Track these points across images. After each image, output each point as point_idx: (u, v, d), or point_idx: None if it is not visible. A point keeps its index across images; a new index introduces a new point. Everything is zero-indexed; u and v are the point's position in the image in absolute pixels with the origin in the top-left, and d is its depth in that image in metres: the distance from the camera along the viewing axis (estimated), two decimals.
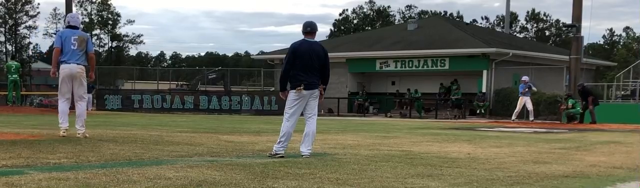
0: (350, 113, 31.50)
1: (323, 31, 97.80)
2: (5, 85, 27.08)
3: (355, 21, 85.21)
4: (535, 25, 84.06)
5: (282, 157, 7.47)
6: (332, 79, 29.56)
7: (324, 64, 7.84)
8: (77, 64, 9.31)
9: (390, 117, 28.90)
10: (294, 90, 7.64)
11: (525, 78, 24.22)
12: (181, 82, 37.22)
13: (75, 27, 9.51)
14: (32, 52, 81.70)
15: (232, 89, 32.48)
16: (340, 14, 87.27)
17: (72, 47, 9.28)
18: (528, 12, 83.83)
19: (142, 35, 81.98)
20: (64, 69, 9.31)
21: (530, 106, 23.95)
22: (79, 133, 9.36)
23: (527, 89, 23.88)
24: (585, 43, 29.82)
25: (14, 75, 25.03)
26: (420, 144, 10.43)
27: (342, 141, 10.71)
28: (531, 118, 23.89)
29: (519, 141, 11.84)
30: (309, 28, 7.82)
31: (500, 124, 21.44)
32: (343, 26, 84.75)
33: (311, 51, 7.70)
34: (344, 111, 31.81)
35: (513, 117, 23.90)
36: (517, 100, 24.55)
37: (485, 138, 12.49)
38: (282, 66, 7.86)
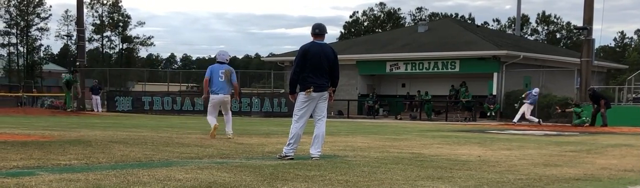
0: (360, 116, 31.47)
1: (333, 33, 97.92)
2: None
3: (365, 23, 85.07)
4: (546, 27, 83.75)
5: (291, 159, 7.46)
6: (342, 81, 29.58)
7: (334, 66, 7.82)
8: (224, 94, 11.34)
9: (400, 119, 28.85)
10: (304, 92, 7.63)
11: (536, 91, 23.99)
12: (191, 84, 37.28)
13: (222, 63, 11.47)
14: (44, 54, 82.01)
15: (242, 91, 32.47)
16: (350, 16, 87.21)
17: (220, 79, 11.24)
18: (538, 14, 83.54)
19: (152, 37, 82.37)
20: (214, 99, 11.36)
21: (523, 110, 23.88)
22: (229, 135, 11.26)
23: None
24: (596, 46, 29.76)
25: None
26: (430, 147, 10.41)
27: (351, 143, 10.70)
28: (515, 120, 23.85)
29: (530, 144, 11.79)
30: (318, 30, 7.80)
31: (510, 127, 21.37)
32: (353, 28, 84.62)
33: (321, 53, 7.69)
34: (353, 113, 31.77)
35: (514, 119, 23.84)
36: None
37: (495, 141, 12.45)
38: (292, 68, 7.85)
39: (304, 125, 7.70)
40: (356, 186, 5.31)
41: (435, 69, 31.45)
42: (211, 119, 11.56)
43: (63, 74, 27.07)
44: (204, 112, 29.53)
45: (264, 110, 29.36)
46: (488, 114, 28.90)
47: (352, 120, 26.46)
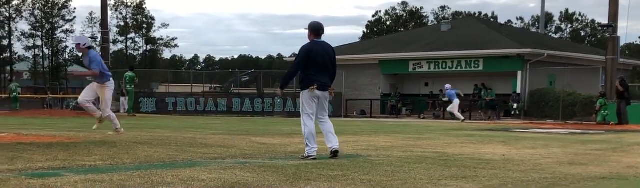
0: (383, 115, 31.40)
1: (356, 33, 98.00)
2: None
3: (388, 23, 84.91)
4: (570, 25, 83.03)
5: (314, 159, 7.46)
6: (365, 80, 29.68)
7: (334, 65, 7.91)
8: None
9: (424, 118, 28.75)
10: (308, 90, 7.67)
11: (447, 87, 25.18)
12: (214, 85, 37.40)
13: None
14: (68, 56, 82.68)
15: (264, 91, 32.56)
16: (373, 16, 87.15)
17: None
18: (562, 12, 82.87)
19: (176, 38, 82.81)
20: None
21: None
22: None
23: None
24: (621, 43, 29.46)
25: (129, 86, 26.01)
26: (454, 146, 10.36)
27: (374, 143, 10.67)
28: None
29: (555, 142, 11.69)
30: (322, 30, 7.86)
31: (535, 125, 21.21)
32: (376, 28, 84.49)
33: (324, 52, 7.76)
34: (376, 113, 31.71)
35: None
36: (552, 101, 24.36)
37: (520, 140, 12.36)
38: (291, 66, 7.89)
39: (314, 124, 7.72)
40: (379, 186, 5.29)
41: (459, 67, 31.31)
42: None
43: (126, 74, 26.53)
44: (227, 112, 29.95)
45: (286, 110, 29.43)
46: (512, 113, 28.71)
47: (375, 120, 26.40)
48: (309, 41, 7.87)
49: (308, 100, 7.69)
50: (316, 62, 7.67)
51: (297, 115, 28.51)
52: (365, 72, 33.01)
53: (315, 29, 7.81)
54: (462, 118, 24.49)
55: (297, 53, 7.97)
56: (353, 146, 9.71)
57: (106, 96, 11.07)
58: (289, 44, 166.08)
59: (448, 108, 25.60)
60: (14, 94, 33.44)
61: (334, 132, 7.82)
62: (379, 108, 32.74)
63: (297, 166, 6.62)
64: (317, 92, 7.66)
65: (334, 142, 7.69)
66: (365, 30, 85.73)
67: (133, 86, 26.31)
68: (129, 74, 26.18)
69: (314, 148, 7.58)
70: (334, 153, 7.66)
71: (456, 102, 24.75)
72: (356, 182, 5.48)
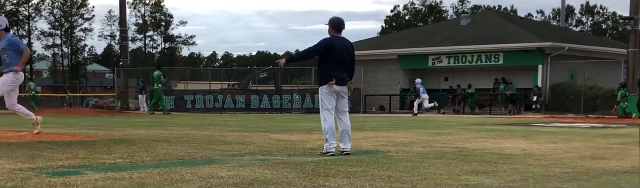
0: (402, 110, 31.30)
1: (374, 28, 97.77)
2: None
3: (406, 17, 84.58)
4: (591, 18, 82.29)
5: (333, 155, 7.44)
6: (384, 75, 29.57)
7: (353, 60, 7.91)
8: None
9: (443, 113, 28.63)
10: (326, 85, 7.66)
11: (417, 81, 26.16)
12: (232, 82, 37.48)
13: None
14: (87, 54, 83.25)
15: (283, 88, 32.56)
16: (391, 11, 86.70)
17: None
18: (583, 5, 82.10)
19: (194, 36, 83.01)
20: None
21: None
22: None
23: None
24: None
25: (156, 85, 26.08)
26: (474, 141, 10.29)
27: (394, 138, 10.63)
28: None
29: (576, 136, 11.59)
30: (343, 25, 7.85)
31: (556, 119, 21.05)
32: (394, 22, 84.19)
33: (343, 47, 7.75)
34: (395, 108, 31.63)
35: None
36: (573, 95, 24.17)
37: (540, 134, 12.26)
38: (305, 51, 7.86)
39: (333, 119, 7.70)
40: (399, 181, 5.26)
41: (479, 62, 31.14)
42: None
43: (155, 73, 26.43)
44: (245, 109, 30.02)
45: (305, 106, 29.40)
46: (533, 107, 28.55)
47: (394, 115, 26.34)
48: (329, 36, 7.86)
49: (327, 95, 7.69)
50: (335, 57, 7.67)
51: (315, 111, 28.46)
52: (383, 67, 32.93)
53: (337, 24, 7.80)
54: (416, 112, 25.58)
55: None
56: (372, 142, 9.68)
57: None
58: (307, 40, 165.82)
59: (416, 102, 26.67)
60: (32, 92, 33.68)
61: (350, 132, 7.78)
62: (398, 104, 32.65)
63: (315, 162, 6.61)
64: (336, 87, 7.65)
65: (347, 144, 7.68)
66: (383, 25, 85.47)
67: (160, 85, 26.30)
68: (156, 72, 26.19)
69: (332, 144, 7.56)
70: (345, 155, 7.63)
71: (425, 96, 25.88)
72: (375, 177, 5.46)
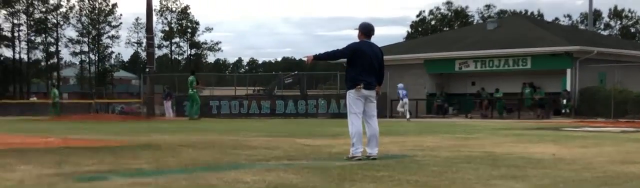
0: (429, 115, 31.14)
1: (400, 33, 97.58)
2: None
3: (432, 22, 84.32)
4: (619, 22, 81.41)
5: (359, 159, 7.38)
6: (410, 80, 29.41)
7: (381, 65, 7.87)
8: None
9: (471, 118, 28.42)
10: (354, 90, 7.63)
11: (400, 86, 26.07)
12: (258, 88, 37.57)
13: None
14: (114, 61, 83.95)
15: (308, 93, 32.55)
16: (417, 16, 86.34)
17: None
18: (611, 9, 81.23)
19: (220, 42, 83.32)
20: None
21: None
22: None
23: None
24: None
25: (191, 90, 26.06)
26: (502, 145, 10.17)
27: (421, 143, 10.54)
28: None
29: (607, 141, 11.41)
30: (373, 31, 7.86)
31: (586, 124, 20.78)
32: (420, 27, 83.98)
33: (371, 52, 7.73)
34: (422, 113, 31.47)
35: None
36: (603, 99, 23.88)
37: (570, 139, 12.09)
38: (333, 52, 7.85)
39: (361, 123, 7.66)
40: (426, 186, 5.20)
41: (506, 66, 30.91)
42: None
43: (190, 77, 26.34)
44: (270, 114, 30.03)
45: (330, 111, 29.37)
46: (562, 111, 28.24)
47: (421, 120, 26.21)
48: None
49: (354, 100, 7.66)
50: (363, 62, 7.66)
51: (341, 116, 28.43)
52: (409, 72, 32.78)
53: (366, 30, 7.81)
54: (409, 117, 25.53)
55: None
56: (399, 146, 9.61)
57: None
58: (333, 45, 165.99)
59: (398, 108, 26.85)
60: (56, 99, 33.94)
61: (377, 135, 7.73)
62: (424, 108, 32.48)
63: (341, 167, 6.56)
64: (364, 92, 7.62)
65: (374, 149, 7.63)
66: (409, 30, 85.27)
67: (194, 90, 26.30)
68: (190, 77, 26.22)
69: (359, 149, 7.52)
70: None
71: (406, 100, 26.08)
72: (402, 182, 5.39)
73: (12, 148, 8.24)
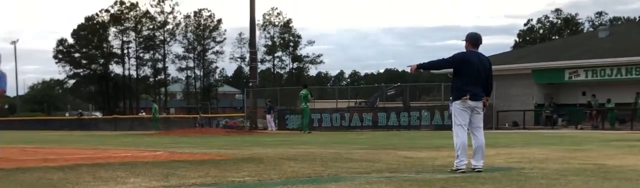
0: (536, 126, 30.23)
1: (507, 42, 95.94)
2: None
3: (541, 31, 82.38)
4: None
5: (463, 172, 7.23)
6: (517, 90, 28.68)
7: (489, 76, 7.71)
8: None
9: (581, 129, 27.43)
10: (460, 101, 7.49)
11: None
12: (360, 100, 37.56)
13: None
14: (218, 76, 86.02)
15: (411, 105, 32.27)
16: (524, 24, 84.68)
17: None
18: None
19: (321, 55, 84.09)
20: None
21: None
22: None
23: None
24: None
25: (304, 103, 26.20)
26: (614, 157, 9.73)
27: (528, 155, 10.23)
28: None
29: None
30: (480, 40, 7.73)
31: None
32: (528, 36, 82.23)
33: (479, 62, 7.59)
34: (530, 124, 30.59)
35: None
36: None
37: None
38: (439, 61, 7.75)
39: (466, 135, 7.51)
40: None
41: (619, 75, 29.66)
42: None
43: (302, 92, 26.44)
44: (372, 127, 29.89)
45: (434, 123, 29.00)
46: None
47: (528, 131, 25.50)
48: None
49: (460, 111, 7.53)
50: (470, 72, 7.53)
51: (444, 128, 28.12)
52: (516, 83, 31.96)
53: (474, 39, 7.69)
54: None
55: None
56: (505, 158, 9.35)
57: None
58: (437, 56, 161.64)
59: None
60: (156, 114, 34.90)
61: (483, 147, 7.57)
62: (532, 119, 31.56)
63: (445, 180, 6.43)
64: (470, 103, 7.48)
65: (479, 161, 7.46)
66: (516, 39, 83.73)
67: (307, 103, 26.35)
68: (303, 91, 26.27)
69: (463, 161, 7.36)
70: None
71: None
72: None
73: (123, 161, 8.51)
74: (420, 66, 7.83)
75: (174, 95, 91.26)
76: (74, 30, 78.55)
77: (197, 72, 79.63)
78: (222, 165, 8.11)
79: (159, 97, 79.87)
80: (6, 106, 73.92)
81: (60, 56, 78.70)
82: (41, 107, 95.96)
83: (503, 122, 31.07)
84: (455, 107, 7.57)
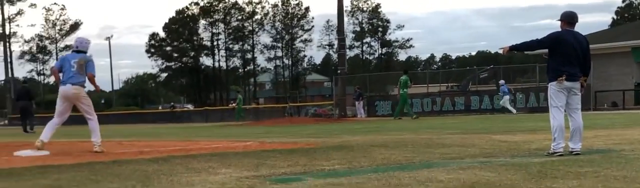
0: (637, 106, 29.13)
1: (603, 20, 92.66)
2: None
3: None
4: None
5: (561, 155, 7.03)
6: (615, 70, 27.66)
7: (587, 56, 7.46)
8: (72, 84, 9.30)
9: None
10: (555, 82, 7.28)
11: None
12: (451, 84, 37.07)
13: (80, 51, 9.56)
14: (307, 65, 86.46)
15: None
16: (623, 1, 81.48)
17: (72, 69, 9.32)
18: None
19: (411, 39, 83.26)
20: (60, 92, 9.43)
21: None
22: (95, 147, 9.26)
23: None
24: None
25: (402, 90, 25.81)
26: None
27: (629, 136, 9.87)
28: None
29: None
30: (576, 19, 7.49)
31: None
32: (627, 13, 79.15)
33: (575, 41, 7.35)
34: (630, 104, 29.48)
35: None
36: None
37: None
38: (532, 41, 7.61)
39: (563, 117, 7.30)
40: (636, 182, 4.81)
41: None
42: (48, 126, 9.41)
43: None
44: (465, 111, 29.46)
45: (529, 105, 28.38)
46: None
47: (628, 112, 24.60)
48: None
49: (556, 92, 7.36)
50: (565, 52, 7.33)
51: (540, 110, 27.46)
52: (614, 62, 30.81)
53: (569, 18, 7.47)
54: (515, 111, 25.75)
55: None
56: (604, 140, 9.05)
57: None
58: (531, 36, 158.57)
59: (500, 103, 27.34)
60: (240, 105, 35.18)
61: (581, 130, 7.35)
62: (632, 99, 30.39)
63: (541, 163, 6.26)
64: (566, 83, 7.28)
65: (577, 144, 7.26)
66: (614, 17, 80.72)
67: (405, 90, 25.77)
68: (403, 77, 25.66)
69: (560, 144, 7.18)
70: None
71: (506, 97, 26.30)
72: (609, 178, 5.03)
73: (215, 152, 8.63)
74: (513, 48, 7.68)
75: (263, 86, 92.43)
76: (165, 23, 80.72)
77: (286, 61, 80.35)
78: (311, 153, 8.12)
79: (248, 87, 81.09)
80: (102, 101, 76.78)
81: (152, 50, 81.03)
82: (135, 101, 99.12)
83: (601, 103, 30.07)
84: (551, 88, 7.40)
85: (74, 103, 9.42)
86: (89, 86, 9.70)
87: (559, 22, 7.51)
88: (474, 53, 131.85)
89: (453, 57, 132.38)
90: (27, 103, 22.09)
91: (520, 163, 6.31)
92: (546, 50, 7.57)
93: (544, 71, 7.38)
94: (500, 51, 7.83)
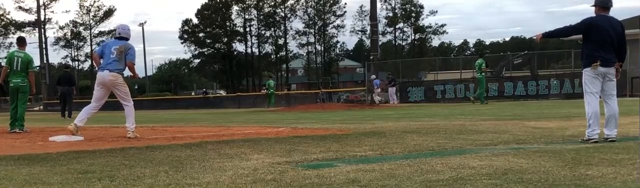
0: None
1: (638, 5, 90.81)
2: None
3: None
4: None
5: (596, 142, 6.96)
6: None
7: (622, 41, 7.32)
8: (110, 71, 9.37)
9: None
10: (590, 68, 7.18)
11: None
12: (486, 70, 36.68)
13: (122, 38, 9.59)
14: (339, 51, 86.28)
15: (539, 73, 31.23)
16: None
17: (111, 55, 9.39)
18: None
19: (445, 24, 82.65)
20: (97, 78, 9.58)
21: None
22: (129, 133, 9.32)
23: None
24: None
25: (479, 74, 25.67)
26: None
27: None
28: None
29: None
30: (610, 3, 7.35)
31: None
32: None
33: (609, 27, 7.22)
34: None
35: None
36: None
37: None
38: (566, 27, 7.51)
39: (598, 103, 7.21)
40: None
41: None
42: (84, 111, 9.51)
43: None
44: (498, 97, 29.10)
45: (563, 91, 28.02)
46: None
47: None
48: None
49: (591, 78, 7.26)
50: (600, 37, 7.21)
51: (575, 96, 27.01)
52: None
53: (603, 3, 7.35)
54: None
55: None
56: None
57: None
58: (567, 21, 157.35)
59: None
60: (271, 90, 35.03)
61: (617, 116, 7.25)
62: None
63: (576, 150, 6.19)
64: (601, 69, 7.18)
65: (613, 130, 7.17)
66: None
67: (483, 73, 25.46)
68: (479, 61, 25.42)
69: (595, 131, 7.11)
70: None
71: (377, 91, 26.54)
72: None
73: (247, 138, 8.66)
74: (547, 35, 7.57)
75: (296, 71, 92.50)
76: (198, 10, 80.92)
77: (318, 47, 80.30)
78: (343, 139, 8.11)
79: (280, 73, 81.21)
80: (136, 86, 77.48)
81: (185, 36, 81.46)
82: (168, 86, 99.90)
83: (638, 89, 29.59)
84: (586, 74, 7.30)
85: (111, 89, 9.53)
86: (127, 71, 9.83)
87: (593, 8, 7.39)
88: (507, 39, 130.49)
89: (487, 43, 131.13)
90: (68, 89, 22.30)
91: (554, 150, 6.25)
92: (581, 36, 7.45)
93: (578, 57, 7.25)
94: (535, 37, 7.71)
